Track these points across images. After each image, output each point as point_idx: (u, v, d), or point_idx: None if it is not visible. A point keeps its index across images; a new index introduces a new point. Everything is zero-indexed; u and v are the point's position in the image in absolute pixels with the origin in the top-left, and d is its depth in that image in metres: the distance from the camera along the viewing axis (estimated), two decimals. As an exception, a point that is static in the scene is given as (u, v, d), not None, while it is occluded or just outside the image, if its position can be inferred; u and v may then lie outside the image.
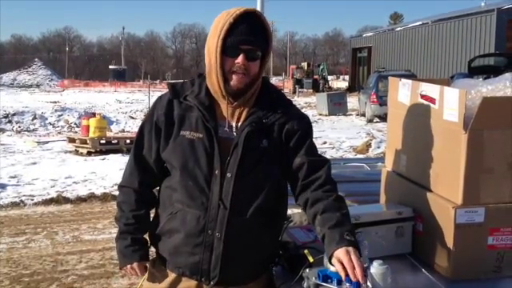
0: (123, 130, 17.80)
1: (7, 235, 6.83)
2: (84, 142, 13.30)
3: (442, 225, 2.18)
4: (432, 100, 2.26)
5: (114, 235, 2.21)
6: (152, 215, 2.20)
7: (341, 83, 53.27)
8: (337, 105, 24.35)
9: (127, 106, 28.16)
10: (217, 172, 1.97)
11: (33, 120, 19.15)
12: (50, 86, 56.26)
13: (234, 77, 1.96)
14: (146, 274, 2.19)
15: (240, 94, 1.99)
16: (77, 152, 13.26)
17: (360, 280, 1.72)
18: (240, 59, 1.94)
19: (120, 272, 2.25)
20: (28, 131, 18.04)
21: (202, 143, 1.98)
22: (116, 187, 2.27)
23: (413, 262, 2.33)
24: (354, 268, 1.74)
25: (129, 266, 2.15)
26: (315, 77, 44.87)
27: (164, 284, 2.11)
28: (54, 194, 8.80)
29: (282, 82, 45.36)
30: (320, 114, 24.10)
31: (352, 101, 27.81)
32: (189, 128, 2.01)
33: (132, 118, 21.41)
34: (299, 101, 31.95)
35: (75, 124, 18.62)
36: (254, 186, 1.99)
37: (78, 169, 11.00)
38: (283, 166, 2.04)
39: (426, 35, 32.38)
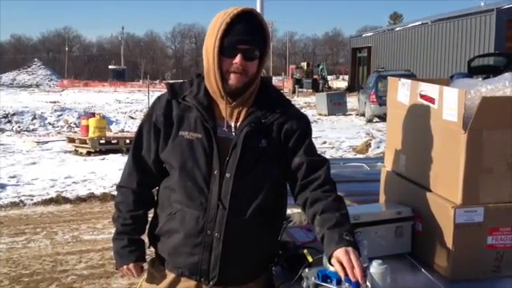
0: (123, 130, 17.79)
1: (7, 235, 6.83)
2: (83, 141, 13.30)
3: (441, 224, 2.18)
4: (431, 100, 2.26)
5: (113, 233, 2.21)
6: (151, 216, 2.19)
7: (340, 83, 53.28)
8: (336, 105, 24.35)
9: (127, 105, 28.17)
10: (216, 172, 1.97)
11: (32, 120, 19.15)
12: (50, 86, 56.27)
13: (232, 76, 1.95)
14: (145, 274, 2.19)
15: (238, 93, 1.99)
16: (76, 152, 13.27)
17: (359, 280, 1.72)
18: (238, 59, 1.94)
19: (119, 272, 2.24)
20: (27, 131, 18.04)
21: (200, 143, 1.98)
22: (115, 187, 2.27)
23: (412, 261, 2.33)
24: (353, 268, 1.74)
25: (125, 267, 2.15)
26: (315, 77, 44.85)
27: (163, 284, 2.10)
28: (53, 194, 8.80)
29: (282, 82, 45.33)
30: (319, 114, 24.10)
31: (351, 101, 27.81)
32: (188, 128, 2.01)
33: (131, 117, 21.41)
34: (299, 101, 31.96)
35: (75, 124, 18.61)
36: (253, 186, 1.99)
37: (77, 169, 11.00)
38: (282, 166, 2.04)
39: (426, 35, 32.39)
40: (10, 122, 18.89)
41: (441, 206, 2.18)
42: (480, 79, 2.70)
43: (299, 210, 2.43)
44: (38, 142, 15.23)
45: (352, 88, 40.88)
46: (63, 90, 45.95)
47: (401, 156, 2.56)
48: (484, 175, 2.11)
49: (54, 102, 27.28)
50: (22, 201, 8.46)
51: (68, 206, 8.38)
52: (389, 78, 2.78)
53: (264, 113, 2.01)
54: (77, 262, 5.83)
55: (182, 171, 1.99)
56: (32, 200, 8.51)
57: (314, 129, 2.21)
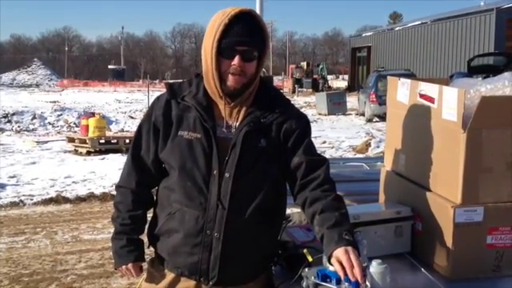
0: (122, 130, 17.79)
1: (6, 235, 6.83)
2: (83, 141, 13.30)
3: (441, 224, 2.18)
4: (431, 99, 2.26)
5: (112, 232, 2.21)
6: (150, 215, 2.19)
7: (340, 83, 53.29)
8: (336, 104, 24.35)
9: (126, 105, 28.17)
10: (215, 172, 1.96)
11: (32, 120, 19.15)
12: (50, 86, 56.27)
13: (231, 77, 1.95)
14: (145, 274, 2.19)
15: (237, 94, 1.99)
16: (76, 152, 13.27)
17: (359, 279, 1.72)
18: (236, 61, 1.93)
19: (118, 272, 2.24)
20: (27, 131, 18.03)
21: (200, 143, 1.98)
22: (115, 187, 2.27)
23: (412, 261, 2.33)
24: (352, 267, 1.74)
25: (124, 267, 2.15)
26: (315, 76, 44.85)
27: (163, 284, 2.10)
28: (53, 194, 8.81)
29: (282, 82, 45.32)
30: (319, 114, 24.10)
31: (351, 100, 27.81)
32: (187, 128, 2.01)
33: (131, 117, 21.41)
34: (299, 100, 31.97)
35: (74, 124, 18.62)
36: (253, 185, 1.99)
37: (77, 168, 11.00)
38: (282, 166, 2.03)
39: (426, 35, 32.39)
40: (9, 121, 18.89)
41: (440, 205, 2.18)
42: (480, 79, 2.70)
43: (299, 210, 2.43)
44: (38, 142, 15.23)
45: (352, 88, 40.89)
46: (63, 90, 45.96)
47: (400, 156, 2.56)
48: (484, 175, 2.11)
49: (54, 102, 27.27)
50: (21, 200, 8.46)
51: (68, 206, 8.38)
52: (388, 77, 2.78)
53: (263, 112, 2.01)
54: (76, 262, 5.83)
55: (182, 171, 1.99)
56: (32, 200, 8.51)
57: (313, 128, 2.20)
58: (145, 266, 2.21)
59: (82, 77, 74.98)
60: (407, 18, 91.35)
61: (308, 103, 29.85)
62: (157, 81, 55.43)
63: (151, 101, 2.21)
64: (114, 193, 2.23)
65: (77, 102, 29.22)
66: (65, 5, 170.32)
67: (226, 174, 1.96)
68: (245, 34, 1.93)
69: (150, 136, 2.08)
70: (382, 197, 2.75)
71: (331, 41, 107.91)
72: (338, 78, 63.19)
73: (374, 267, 1.85)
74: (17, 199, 8.52)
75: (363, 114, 21.94)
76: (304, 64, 47.96)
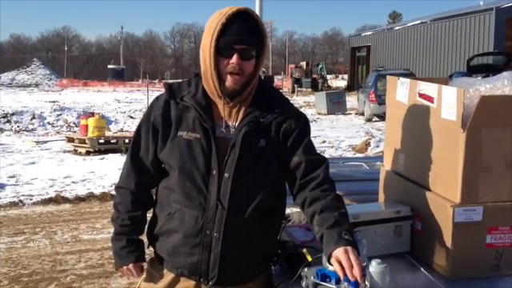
0: (122, 130, 17.79)
1: (6, 235, 6.83)
2: (83, 141, 13.29)
3: (440, 223, 2.18)
4: (430, 99, 2.26)
5: (112, 233, 2.21)
6: (150, 215, 2.19)
7: (340, 82, 53.31)
8: (336, 104, 24.35)
9: (126, 105, 28.16)
10: (214, 172, 1.96)
11: (31, 120, 19.14)
12: (49, 86, 56.18)
13: (230, 78, 1.95)
14: (145, 274, 2.19)
15: (236, 94, 1.99)
16: (75, 152, 13.26)
17: (358, 279, 1.72)
18: (234, 59, 1.93)
19: (118, 272, 2.25)
20: (27, 131, 18.02)
21: (199, 143, 1.98)
22: (114, 188, 2.27)
23: (411, 260, 2.33)
24: (352, 267, 1.74)
25: (125, 268, 2.15)
26: (314, 76, 44.88)
27: (162, 284, 2.10)
28: (52, 194, 8.80)
29: (281, 81, 45.33)
30: (319, 113, 24.10)
31: (351, 100, 27.82)
32: (186, 128, 2.01)
33: (131, 117, 21.40)
34: (298, 100, 31.96)
35: (74, 124, 18.60)
36: (252, 185, 1.99)
37: (76, 168, 11.00)
38: (281, 166, 2.03)
39: (425, 34, 32.40)
40: (9, 121, 18.88)
41: (440, 205, 2.18)
42: (479, 78, 2.71)
43: (298, 210, 2.43)
44: (38, 142, 15.22)
45: (351, 87, 40.89)
46: (62, 90, 45.91)
47: (400, 155, 2.56)
48: (483, 174, 2.12)
49: (53, 102, 27.23)
50: (21, 200, 8.46)
51: (67, 206, 8.38)
52: (388, 77, 2.78)
53: (262, 112, 2.01)
54: (76, 262, 5.83)
55: (181, 171, 1.99)
56: (31, 200, 8.51)
57: (313, 128, 2.20)
58: (145, 265, 2.21)
59: (82, 77, 74.89)
60: (407, 17, 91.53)
61: (307, 103, 29.84)
62: (156, 80, 55.42)
63: (151, 100, 2.21)
64: (114, 193, 2.23)
65: (76, 102, 29.20)
66: (64, 5, 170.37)
67: (226, 174, 1.96)
68: (242, 32, 1.93)
69: (149, 136, 2.08)
70: (381, 196, 2.75)
71: (331, 40, 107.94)
72: (337, 77, 63.22)
73: (374, 267, 1.85)
74: (16, 199, 8.51)
75: (363, 114, 21.93)
76: (303, 64, 47.99)
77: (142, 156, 2.11)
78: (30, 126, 18.61)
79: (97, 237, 6.80)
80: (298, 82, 42.78)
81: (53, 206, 8.35)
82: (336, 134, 16.30)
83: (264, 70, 45.41)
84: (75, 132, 16.18)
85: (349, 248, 1.78)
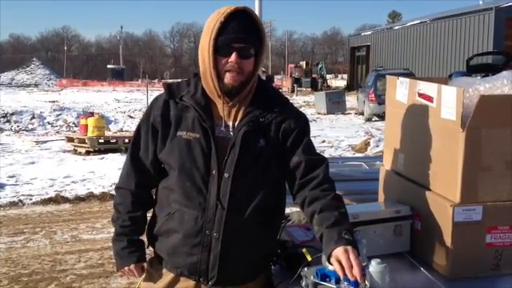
0: (122, 130, 17.77)
1: (6, 235, 6.83)
2: (82, 141, 13.29)
3: (440, 223, 2.18)
4: (430, 98, 2.26)
5: (113, 234, 2.21)
6: (149, 216, 2.19)
7: (339, 82, 53.31)
8: (335, 103, 24.35)
9: (126, 105, 28.16)
10: (214, 172, 1.96)
11: (31, 119, 19.14)
12: (49, 86, 56.18)
13: (228, 75, 1.95)
14: (144, 274, 2.19)
15: (235, 92, 1.98)
16: (75, 151, 13.26)
17: (358, 279, 1.72)
18: (233, 58, 1.93)
19: (118, 271, 2.25)
20: (26, 131, 18.03)
21: (198, 143, 1.98)
22: (114, 188, 2.27)
23: (411, 260, 2.33)
24: (352, 267, 1.74)
25: (126, 268, 2.16)
26: (314, 76, 44.89)
27: (162, 284, 2.10)
28: (52, 194, 8.80)
29: (281, 81, 45.33)
30: (318, 113, 24.10)
31: (350, 99, 27.82)
32: (185, 128, 2.01)
33: (130, 117, 21.40)
34: (298, 100, 31.96)
35: (74, 123, 18.61)
36: (252, 185, 1.99)
37: (76, 168, 10.99)
38: (281, 165, 2.03)
39: (425, 34, 32.39)
40: (8, 121, 18.88)
41: (439, 204, 2.19)
42: (478, 78, 2.71)
43: (298, 209, 2.43)
44: (37, 142, 15.22)
45: (351, 87, 40.87)
46: (62, 90, 45.90)
47: (399, 155, 2.56)
48: (483, 173, 2.12)
49: (53, 102, 27.24)
50: (21, 200, 8.46)
51: (67, 206, 8.37)
52: (387, 76, 2.78)
53: (262, 112, 2.01)
54: (76, 262, 5.82)
55: (181, 171, 1.99)
56: (31, 199, 8.51)
57: (312, 128, 2.20)
58: (146, 266, 2.21)
59: (81, 76, 74.81)
60: (406, 17, 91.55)
61: (307, 102, 29.84)
62: (156, 80, 55.36)
63: (150, 100, 2.21)
64: (114, 192, 2.23)
65: (76, 102, 29.19)
66: (64, 4, 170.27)
67: (225, 174, 1.96)
68: (241, 31, 1.93)
69: (149, 136, 2.08)
70: (381, 196, 2.75)
71: (330, 40, 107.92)
72: (337, 77, 63.23)
73: (374, 266, 1.85)
74: (16, 199, 8.51)
75: (362, 113, 21.93)
76: (303, 63, 47.99)
77: (141, 156, 2.11)
78: (30, 126, 18.62)
79: (97, 237, 6.80)
80: (297, 81, 42.78)
81: (52, 205, 8.35)
82: (336, 134, 16.30)
83: (264, 69, 45.44)
84: (75, 132, 16.18)
85: (349, 248, 1.78)
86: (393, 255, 2.29)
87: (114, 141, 13.70)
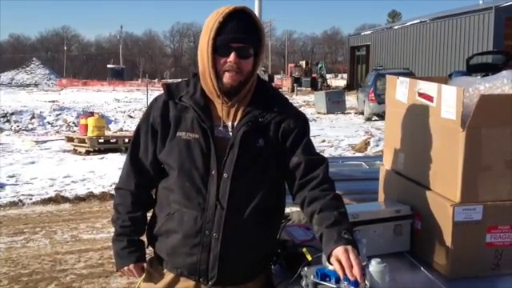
0: (122, 129, 17.78)
1: (6, 235, 6.83)
2: (82, 141, 13.29)
3: (440, 223, 2.18)
4: (430, 98, 2.26)
5: (113, 234, 2.21)
6: (149, 216, 2.19)
7: (339, 81, 53.28)
8: (335, 103, 24.34)
9: (126, 105, 28.16)
10: (213, 172, 1.96)
11: (31, 119, 19.14)
12: (49, 86, 56.22)
13: (227, 74, 1.95)
14: (144, 274, 2.18)
15: (234, 92, 1.98)
16: (75, 151, 13.26)
17: (358, 279, 1.72)
18: (232, 57, 1.93)
19: (118, 271, 2.25)
20: (26, 130, 18.03)
21: (198, 144, 1.98)
22: (114, 189, 2.27)
23: (411, 260, 2.33)
24: (352, 267, 1.73)
25: (126, 268, 2.15)
26: (313, 75, 44.88)
27: (162, 284, 2.10)
28: (52, 194, 8.80)
29: (281, 81, 45.33)
30: (318, 113, 24.09)
31: (350, 99, 27.82)
32: (185, 129, 2.00)
33: (130, 117, 21.40)
34: (297, 99, 31.97)
35: (73, 123, 18.61)
36: (251, 185, 1.99)
37: (76, 168, 10.99)
38: (280, 165, 2.03)
39: (424, 33, 32.39)
40: (8, 121, 18.88)
41: (439, 204, 2.18)
42: (478, 77, 2.70)
43: (298, 209, 2.43)
44: (37, 142, 15.23)
45: (351, 86, 40.87)
46: (62, 90, 45.92)
47: (399, 154, 2.56)
48: (483, 173, 2.11)
49: (53, 102, 27.25)
50: (20, 200, 8.45)
51: (67, 206, 8.37)
52: (387, 76, 2.78)
53: (261, 112, 2.01)
54: (76, 262, 5.82)
55: (180, 172, 1.99)
56: (31, 199, 8.51)
57: (312, 127, 2.20)
58: (145, 266, 2.21)
59: (81, 76, 74.80)
60: (406, 16, 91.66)
61: (307, 102, 29.84)
62: (156, 80, 55.35)
63: (150, 100, 2.21)
64: (114, 192, 2.23)
65: (76, 102, 29.19)
66: (63, 4, 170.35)
67: (225, 174, 1.96)
68: (240, 30, 1.92)
69: (149, 137, 2.07)
70: (381, 195, 2.75)
71: (330, 39, 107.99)
72: (336, 76, 63.22)
73: (374, 266, 1.84)
74: (16, 199, 8.51)
75: (362, 113, 21.93)
76: (303, 63, 47.97)
77: (141, 157, 2.10)
78: (30, 126, 18.62)
79: (96, 236, 6.80)
80: (297, 81, 42.78)
81: (52, 205, 8.35)
82: (335, 134, 16.30)
83: (264, 69, 45.44)
84: (75, 131, 16.18)
85: (349, 247, 1.78)
86: (393, 255, 2.29)
87: (113, 140, 13.71)
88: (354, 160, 5.36)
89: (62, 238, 6.71)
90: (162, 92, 2.10)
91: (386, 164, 2.72)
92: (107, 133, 14.64)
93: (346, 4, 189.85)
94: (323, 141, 14.58)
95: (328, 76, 51.06)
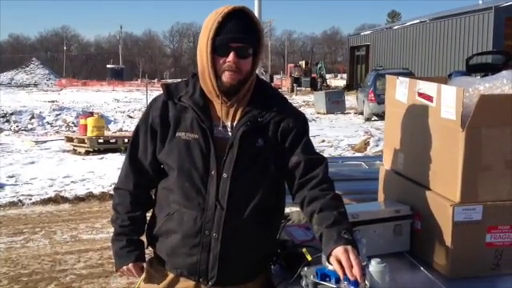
0: (121, 129, 17.75)
1: (5, 235, 6.82)
2: (82, 141, 13.28)
3: (440, 223, 2.17)
4: (429, 98, 2.26)
5: (112, 235, 2.20)
6: (149, 216, 2.19)
7: (339, 81, 53.28)
8: (335, 103, 24.35)
9: (125, 105, 28.15)
10: (213, 172, 1.96)
11: (31, 119, 19.12)
12: (48, 86, 56.19)
13: (226, 74, 1.94)
14: (144, 274, 2.18)
15: (233, 91, 1.98)
16: (75, 151, 13.25)
17: (358, 279, 1.72)
18: (231, 57, 1.93)
19: (118, 272, 2.24)
20: (26, 131, 18.02)
21: (197, 144, 1.98)
22: (113, 189, 2.27)
23: (411, 260, 2.33)
24: (351, 267, 1.73)
25: (125, 267, 2.14)
26: (313, 75, 44.88)
27: (162, 284, 2.10)
28: (52, 194, 8.80)
29: (280, 81, 45.33)
30: (318, 113, 24.09)
31: (350, 99, 27.82)
32: (184, 129, 2.00)
33: (130, 117, 21.38)
34: (297, 99, 31.97)
35: (73, 123, 18.60)
36: (251, 185, 1.98)
37: (76, 168, 10.99)
38: (280, 165, 2.03)
39: (424, 33, 32.39)
40: (8, 121, 18.87)
41: (439, 204, 2.18)
42: (478, 77, 2.70)
43: (298, 209, 2.43)
44: (37, 142, 15.22)
45: (350, 86, 40.88)
46: (61, 90, 45.87)
47: (399, 154, 2.56)
48: (482, 173, 2.11)
49: (53, 102, 27.22)
50: (20, 200, 8.45)
51: (67, 206, 8.37)
52: (387, 76, 2.78)
53: (260, 111, 2.00)
54: (75, 262, 5.82)
55: (180, 172, 1.99)
56: (30, 199, 8.50)
57: (312, 127, 2.20)
58: (145, 266, 2.20)
59: (81, 76, 74.75)
60: (406, 16, 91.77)
61: (306, 102, 29.84)
62: (155, 80, 55.34)
63: (150, 100, 2.21)
64: (113, 193, 2.22)
65: (75, 102, 29.18)
66: (63, 4, 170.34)
67: (224, 174, 1.96)
68: (239, 30, 1.92)
69: (148, 137, 2.07)
70: (380, 195, 2.75)
71: (330, 39, 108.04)
72: (336, 76, 63.25)
73: (374, 266, 1.84)
74: (15, 199, 8.51)
75: (362, 113, 21.93)
76: (302, 63, 47.95)
77: (140, 157, 2.10)
78: (29, 126, 18.60)
79: (96, 236, 6.80)
80: (297, 81, 42.78)
81: (52, 205, 8.34)
82: (335, 134, 16.30)
83: (263, 69, 45.42)
84: (74, 132, 16.16)
85: (348, 247, 1.78)
86: (393, 255, 2.29)
87: (113, 141, 13.70)
88: (353, 160, 5.35)
89: (62, 238, 6.70)
90: (162, 92, 2.10)
91: (386, 164, 2.72)
92: (107, 133, 14.63)
93: (346, 4, 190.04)
94: (323, 141, 14.57)
95: (328, 76, 51.05)
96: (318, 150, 2.12)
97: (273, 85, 2.18)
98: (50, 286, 5.16)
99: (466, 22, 28.17)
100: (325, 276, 1.86)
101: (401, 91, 2.51)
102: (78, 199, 8.65)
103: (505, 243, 2.16)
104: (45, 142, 15.35)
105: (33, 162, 11.75)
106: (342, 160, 4.95)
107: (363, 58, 42.39)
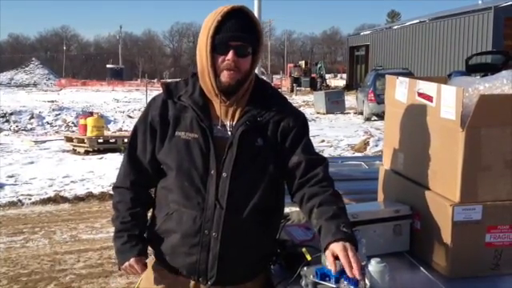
0: (121, 129, 17.75)
1: (5, 235, 6.82)
2: (82, 141, 13.28)
3: (439, 223, 2.17)
4: (429, 98, 2.26)
5: (112, 234, 2.18)
6: (149, 216, 2.18)
7: (338, 81, 53.27)
8: (334, 103, 24.35)
9: (125, 104, 28.14)
10: (212, 172, 1.96)
11: (30, 119, 19.12)
12: (48, 86, 56.19)
13: (225, 73, 1.95)
14: (144, 274, 2.17)
15: (232, 91, 1.98)
16: (74, 151, 13.26)
17: (357, 276, 1.71)
18: (230, 56, 1.93)
19: (118, 271, 2.21)
20: (25, 130, 18.02)
21: (197, 143, 1.97)
22: (112, 188, 2.26)
23: (411, 260, 2.33)
24: (351, 265, 1.73)
25: (127, 264, 2.09)
26: (313, 75, 44.85)
27: (161, 284, 2.09)
28: (51, 194, 8.80)
29: (280, 81, 45.33)
30: (318, 113, 24.09)
31: (350, 99, 27.82)
32: (184, 128, 2.00)
33: (130, 116, 21.38)
34: (297, 99, 31.97)
35: (73, 123, 18.60)
36: (250, 185, 1.98)
37: (75, 168, 10.99)
38: (279, 165, 2.02)
39: (424, 33, 32.39)
40: (7, 121, 18.87)
41: (439, 204, 2.18)
42: (478, 77, 2.70)
43: (297, 209, 2.43)
44: (36, 142, 15.22)
45: (350, 86, 40.87)
46: (61, 90, 45.86)
47: (399, 154, 2.56)
48: (482, 173, 2.11)
49: (52, 102, 27.23)
50: (20, 200, 8.45)
51: (66, 206, 8.37)
52: (387, 76, 2.78)
53: (260, 111, 2.00)
54: (75, 262, 5.82)
55: (179, 171, 1.99)
56: (30, 199, 8.51)
57: (312, 127, 2.20)
58: (147, 262, 2.19)
59: (80, 76, 74.75)
60: (405, 16, 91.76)
61: (306, 102, 29.84)
62: (155, 80, 55.26)
63: (149, 100, 2.20)
64: (112, 192, 2.22)
65: (75, 102, 29.17)
66: (63, 4, 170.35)
67: (224, 174, 1.95)
68: (238, 29, 1.93)
69: (147, 136, 2.07)
70: (380, 195, 2.75)
71: (329, 39, 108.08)
72: (336, 76, 63.24)
73: (373, 266, 1.84)
74: (15, 199, 8.51)
75: (361, 113, 21.93)
76: (302, 63, 47.94)
77: (139, 156, 2.10)
78: (29, 126, 18.61)
79: (96, 236, 6.79)
80: (296, 81, 42.77)
81: (52, 205, 8.35)
82: (335, 134, 16.30)
83: (262, 69, 45.40)
84: (74, 131, 16.17)
85: (347, 244, 1.76)
86: (392, 255, 2.29)
87: (113, 140, 13.70)
88: (353, 160, 5.35)
89: (61, 238, 6.71)
90: (161, 91, 2.10)
91: (386, 164, 2.72)
92: (106, 133, 14.64)
93: (346, 4, 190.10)
94: (322, 141, 14.58)
95: (327, 76, 51.03)
96: (317, 150, 2.12)
97: (272, 84, 2.17)
98: (50, 285, 5.16)
99: (465, 22, 28.17)
100: (324, 276, 1.86)
101: (400, 91, 2.51)
102: (78, 199, 8.65)
103: (504, 243, 2.16)
104: (44, 141, 15.36)
105: (32, 162, 11.76)
106: (341, 160, 4.94)
107: (363, 57, 42.40)
